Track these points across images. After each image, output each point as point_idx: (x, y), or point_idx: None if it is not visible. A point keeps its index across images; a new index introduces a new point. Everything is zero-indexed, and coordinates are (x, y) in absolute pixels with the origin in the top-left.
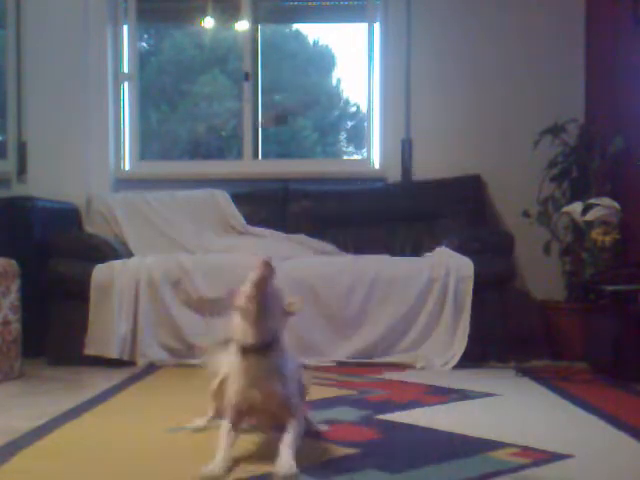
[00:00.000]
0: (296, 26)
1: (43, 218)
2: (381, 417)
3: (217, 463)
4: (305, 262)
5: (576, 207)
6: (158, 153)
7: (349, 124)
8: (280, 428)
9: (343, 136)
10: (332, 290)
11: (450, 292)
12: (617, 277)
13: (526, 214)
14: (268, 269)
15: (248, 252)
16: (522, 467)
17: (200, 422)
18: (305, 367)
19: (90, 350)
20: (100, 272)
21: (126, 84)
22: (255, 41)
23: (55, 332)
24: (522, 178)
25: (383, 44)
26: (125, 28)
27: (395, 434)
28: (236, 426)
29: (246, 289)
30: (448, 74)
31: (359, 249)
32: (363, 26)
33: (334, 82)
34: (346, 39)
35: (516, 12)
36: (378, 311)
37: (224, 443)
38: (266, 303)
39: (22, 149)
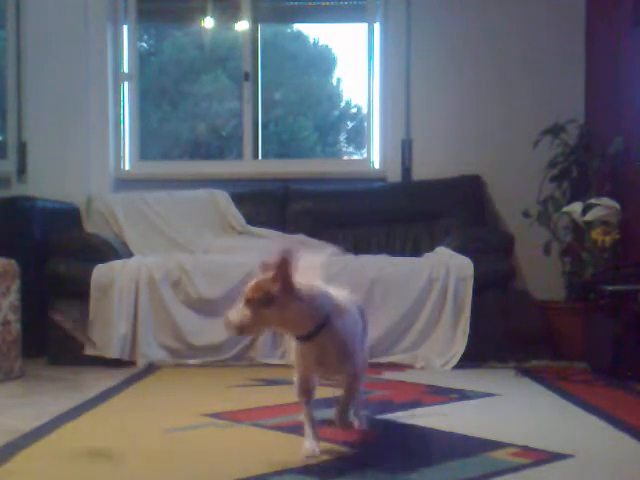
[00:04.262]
0: (296, 26)
1: (43, 218)
2: (381, 417)
3: (311, 443)
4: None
5: (576, 207)
6: (158, 153)
7: (349, 124)
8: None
9: (343, 136)
10: None
11: (450, 292)
12: (617, 277)
13: (526, 214)
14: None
15: (248, 252)
16: (522, 467)
17: None
18: None
19: (90, 350)
20: (100, 272)
21: (126, 84)
22: (255, 41)
23: (55, 332)
24: (522, 178)
25: (383, 44)
26: (125, 28)
27: (395, 434)
28: (309, 402)
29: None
30: (448, 74)
31: (359, 249)
32: (363, 26)
33: (334, 82)
34: (346, 39)
35: (516, 12)
36: (378, 311)
37: (308, 424)
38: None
39: (22, 149)
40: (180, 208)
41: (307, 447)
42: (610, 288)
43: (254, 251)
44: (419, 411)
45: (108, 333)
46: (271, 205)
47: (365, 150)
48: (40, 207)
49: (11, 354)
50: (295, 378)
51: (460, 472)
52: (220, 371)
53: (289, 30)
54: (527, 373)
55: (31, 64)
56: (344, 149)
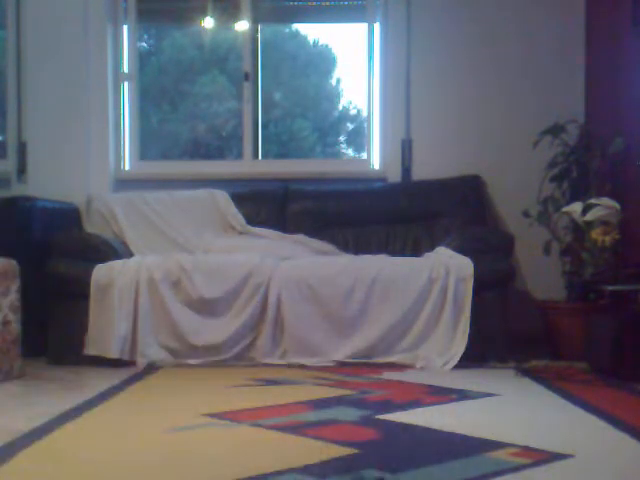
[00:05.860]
0: (296, 26)
1: (43, 218)
2: (381, 417)
3: None
4: (305, 262)
5: (576, 207)
6: (158, 153)
7: (349, 125)
8: None
9: (343, 137)
10: (332, 290)
11: (450, 292)
12: (617, 277)
13: (526, 214)
14: None
15: (248, 252)
16: (522, 467)
17: None
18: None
19: (90, 350)
20: (100, 272)
21: (126, 84)
22: (255, 41)
23: (55, 332)
24: (522, 178)
25: (383, 44)
26: (125, 28)
27: (395, 434)
28: None
29: None
30: (448, 74)
31: (359, 249)
32: (363, 26)
33: (334, 82)
34: (346, 39)
35: (516, 12)
36: (378, 311)
37: None
38: None
39: (22, 149)
40: (180, 208)
41: None
42: (610, 288)
43: (254, 251)
44: (419, 411)
45: (108, 333)
46: (271, 205)
47: (365, 151)
48: (40, 207)
49: (11, 354)
50: None
51: (460, 472)
52: (220, 371)
53: (289, 30)
54: (527, 373)
55: (31, 64)
56: (343, 151)
